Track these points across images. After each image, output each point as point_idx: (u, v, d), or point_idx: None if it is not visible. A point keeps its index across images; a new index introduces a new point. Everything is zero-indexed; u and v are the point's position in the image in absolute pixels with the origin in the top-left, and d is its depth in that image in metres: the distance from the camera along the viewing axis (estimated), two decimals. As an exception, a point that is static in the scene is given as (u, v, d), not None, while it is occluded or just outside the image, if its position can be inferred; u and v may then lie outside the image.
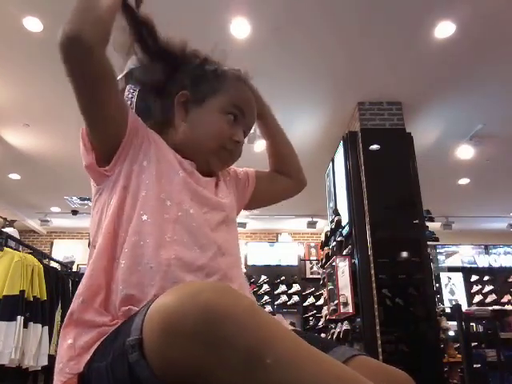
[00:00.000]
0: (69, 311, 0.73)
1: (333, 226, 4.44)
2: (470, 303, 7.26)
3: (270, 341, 0.52)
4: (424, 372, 3.36)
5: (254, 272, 7.49)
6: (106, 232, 0.77)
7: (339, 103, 4.36)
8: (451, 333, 4.36)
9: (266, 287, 7.57)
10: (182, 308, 0.53)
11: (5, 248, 2.68)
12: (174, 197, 0.81)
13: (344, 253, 4.11)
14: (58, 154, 5.32)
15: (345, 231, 4.22)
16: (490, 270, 7.85)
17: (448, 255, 7.95)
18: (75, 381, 0.68)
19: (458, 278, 7.65)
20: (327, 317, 4.46)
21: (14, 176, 6.13)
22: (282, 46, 3.59)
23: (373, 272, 3.70)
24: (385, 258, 3.71)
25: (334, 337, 4.03)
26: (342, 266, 4.00)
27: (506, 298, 7.50)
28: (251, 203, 1.09)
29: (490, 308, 4.30)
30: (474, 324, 4.71)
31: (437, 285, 6.22)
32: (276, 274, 7.68)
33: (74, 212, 7.35)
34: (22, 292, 2.53)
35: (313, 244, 8.30)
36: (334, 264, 4.16)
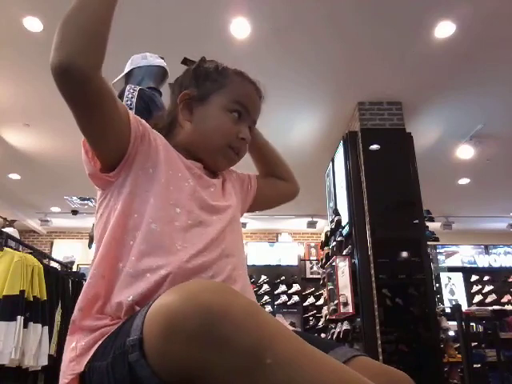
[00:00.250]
0: (71, 319, 0.74)
1: (333, 226, 4.44)
2: (469, 303, 7.26)
3: (270, 341, 0.52)
4: (424, 372, 3.36)
5: (254, 272, 7.48)
6: (110, 239, 0.76)
7: (339, 103, 4.36)
8: (451, 333, 4.35)
9: (265, 287, 7.56)
10: (182, 308, 0.53)
11: (5, 248, 2.67)
12: (183, 204, 0.80)
13: (344, 253, 4.11)
14: (58, 154, 5.33)
15: (345, 231, 4.22)
16: (489, 270, 7.85)
17: (448, 255, 7.94)
18: (77, 381, 0.68)
19: (458, 277, 7.65)
20: (327, 317, 4.46)
21: (14, 176, 6.13)
22: (282, 46, 3.59)
23: (373, 272, 3.70)
24: (385, 257, 3.71)
25: (334, 337, 4.02)
26: (342, 266, 4.00)
27: (506, 298, 7.50)
28: (252, 206, 1.10)
29: (490, 308, 4.29)
30: (473, 324, 4.70)
31: (437, 285, 6.19)
32: (276, 273, 7.68)
33: (74, 212, 7.35)
34: (22, 292, 2.53)
35: (313, 244, 8.29)
36: (333, 264, 4.16)
